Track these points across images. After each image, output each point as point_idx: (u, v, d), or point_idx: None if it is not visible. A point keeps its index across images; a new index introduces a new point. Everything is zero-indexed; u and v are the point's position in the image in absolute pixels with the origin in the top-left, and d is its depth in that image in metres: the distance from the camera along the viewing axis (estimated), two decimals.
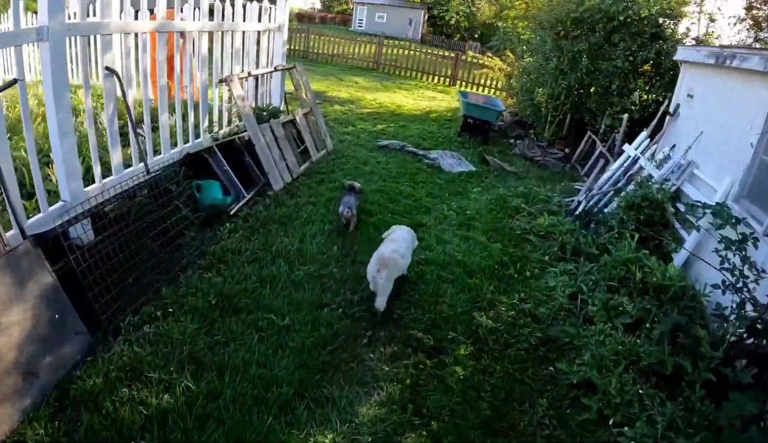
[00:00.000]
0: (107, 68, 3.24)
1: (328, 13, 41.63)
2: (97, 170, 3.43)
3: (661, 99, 8.09)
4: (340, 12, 42.11)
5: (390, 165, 6.32)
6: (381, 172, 5.98)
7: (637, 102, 7.87)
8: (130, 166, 3.77)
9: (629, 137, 8.01)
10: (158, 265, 3.35)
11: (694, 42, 9.03)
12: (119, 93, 3.44)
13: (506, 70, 12.23)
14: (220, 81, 4.55)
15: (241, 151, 4.71)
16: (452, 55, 16.47)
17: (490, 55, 13.77)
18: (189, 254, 3.56)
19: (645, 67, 7.99)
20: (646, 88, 8.19)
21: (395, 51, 16.82)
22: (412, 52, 16.63)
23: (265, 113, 5.51)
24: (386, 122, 9.13)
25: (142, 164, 3.69)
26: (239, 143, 4.70)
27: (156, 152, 4.13)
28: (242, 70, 5.12)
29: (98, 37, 3.34)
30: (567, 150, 8.56)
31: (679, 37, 8.48)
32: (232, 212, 4.14)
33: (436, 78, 16.01)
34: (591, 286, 3.81)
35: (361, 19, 34.51)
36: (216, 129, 4.85)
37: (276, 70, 5.62)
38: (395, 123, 9.07)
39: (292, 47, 17.31)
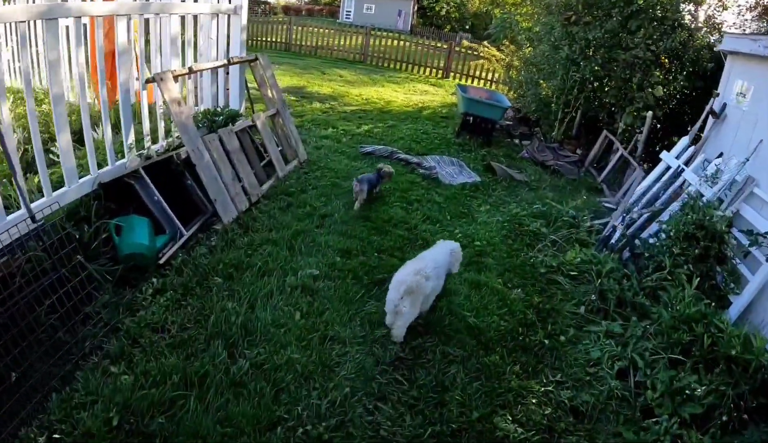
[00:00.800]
0: None
1: (316, 6, 40.24)
2: None
3: (678, 95, 7.17)
4: (327, 4, 40.70)
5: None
6: None
7: (661, 97, 6.86)
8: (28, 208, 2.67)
9: (652, 138, 7.06)
10: (54, 351, 2.37)
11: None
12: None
13: (505, 60, 11.18)
14: (147, 81, 3.42)
15: (182, 172, 3.61)
16: (445, 45, 15.33)
17: (486, 44, 12.65)
18: (94, 332, 2.50)
19: (662, 59, 7.04)
20: (664, 82, 7.21)
21: (384, 42, 15.63)
22: (402, 43, 15.46)
23: (219, 118, 4.40)
24: (373, 121, 8.01)
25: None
26: (177, 162, 3.59)
27: (59, 184, 3.02)
28: (182, 66, 3.97)
29: None
30: (579, 151, 7.55)
31: (700, 25, 7.59)
32: (162, 261, 3.06)
33: (428, 70, 14.90)
34: (648, 359, 2.82)
35: (349, 11, 33.58)
36: (148, 144, 3.71)
37: (231, 63, 4.46)
38: (383, 123, 7.95)
39: (272, 39, 16.17)
